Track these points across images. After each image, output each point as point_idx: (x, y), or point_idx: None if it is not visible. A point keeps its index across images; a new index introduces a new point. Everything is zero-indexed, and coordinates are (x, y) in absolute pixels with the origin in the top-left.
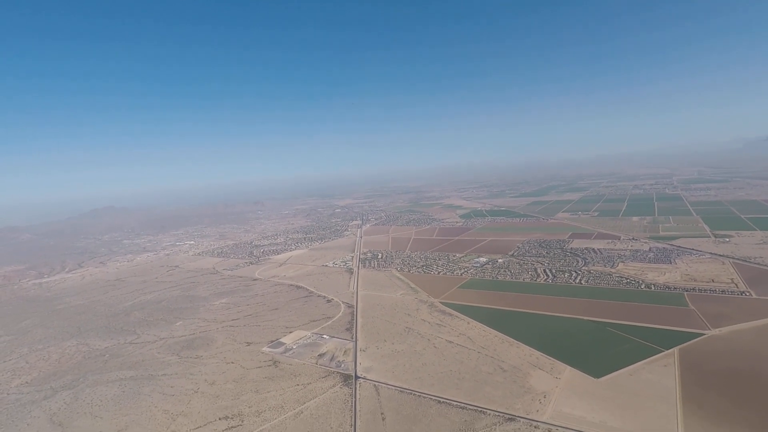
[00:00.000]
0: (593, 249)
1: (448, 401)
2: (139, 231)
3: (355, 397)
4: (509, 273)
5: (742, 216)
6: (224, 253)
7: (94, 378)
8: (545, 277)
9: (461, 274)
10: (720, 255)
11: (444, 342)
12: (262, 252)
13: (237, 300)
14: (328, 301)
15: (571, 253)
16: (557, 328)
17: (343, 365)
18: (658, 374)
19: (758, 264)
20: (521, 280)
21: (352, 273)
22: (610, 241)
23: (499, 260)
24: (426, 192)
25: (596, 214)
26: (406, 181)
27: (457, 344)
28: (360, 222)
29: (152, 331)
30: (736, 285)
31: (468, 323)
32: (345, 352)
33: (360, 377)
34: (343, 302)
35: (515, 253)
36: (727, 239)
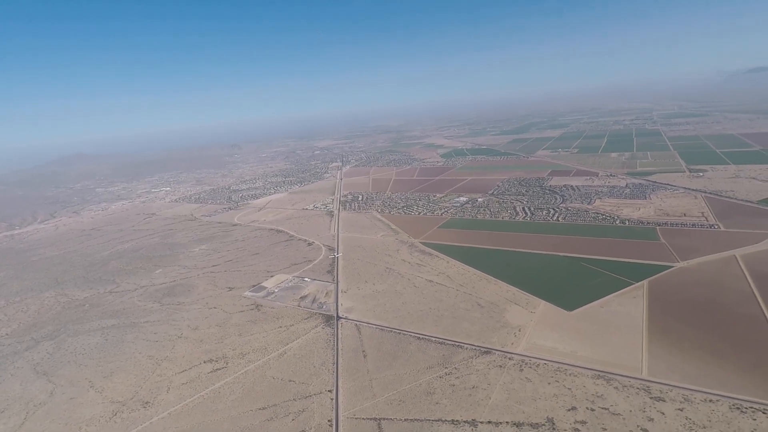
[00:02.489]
0: (571, 186)
1: (427, 337)
2: (111, 178)
3: (337, 337)
4: (489, 212)
5: (718, 150)
6: (202, 198)
7: (75, 328)
8: (524, 215)
9: (441, 214)
10: (693, 189)
11: (424, 281)
12: (241, 197)
13: (217, 246)
14: (309, 244)
15: (549, 190)
16: (534, 264)
17: (324, 306)
18: (627, 305)
19: (728, 197)
20: (500, 218)
21: (332, 216)
22: (588, 177)
23: (479, 199)
24: (407, 131)
25: (576, 150)
26: (386, 120)
27: (437, 283)
28: (340, 164)
29: (132, 280)
30: (706, 218)
31: (447, 262)
32: (326, 293)
33: (341, 317)
34: (324, 245)
35: (495, 192)
36: (701, 174)
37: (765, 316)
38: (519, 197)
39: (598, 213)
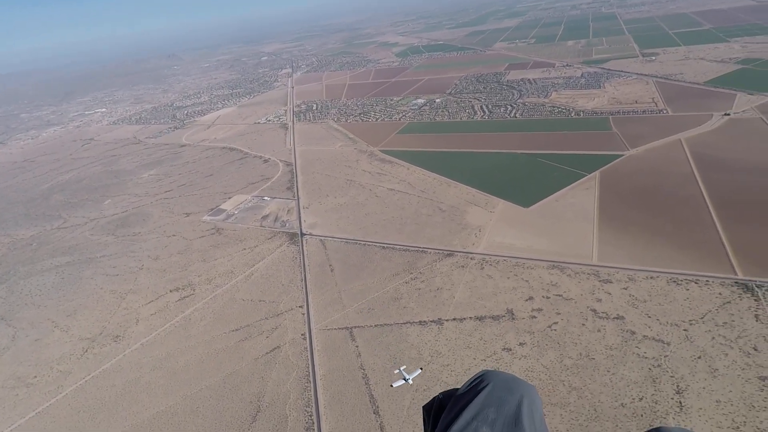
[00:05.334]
0: (529, 80)
1: (391, 246)
2: (38, 101)
3: (303, 253)
4: (447, 113)
5: (670, 32)
6: (143, 118)
7: (25, 269)
8: (482, 113)
9: (399, 119)
10: (645, 75)
11: (385, 190)
12: (186, 114)
13: (167, 170)
14: (265, 161)
15: (507, 85)
16: (492, 164)
17: (287, 224)
18: (580, 197)
19: (677, 81)
20: (459, 119)
21: (287, 128)
22: (545, 69)
23: (437, 100)
24: (360, 29)
25: (533, 41)
26: (338, 17)
27: (398, 191)
28: (290, 70)
29: (79, 213)
30: (656, 104)
31: (408, 169)
32: (288, 211)
33: (305, 234)
34: (280, 161)
35: (453, 91)
36: (653, 57)
37: (703, 196)
38: (477, 95)
39: (554, 106)
